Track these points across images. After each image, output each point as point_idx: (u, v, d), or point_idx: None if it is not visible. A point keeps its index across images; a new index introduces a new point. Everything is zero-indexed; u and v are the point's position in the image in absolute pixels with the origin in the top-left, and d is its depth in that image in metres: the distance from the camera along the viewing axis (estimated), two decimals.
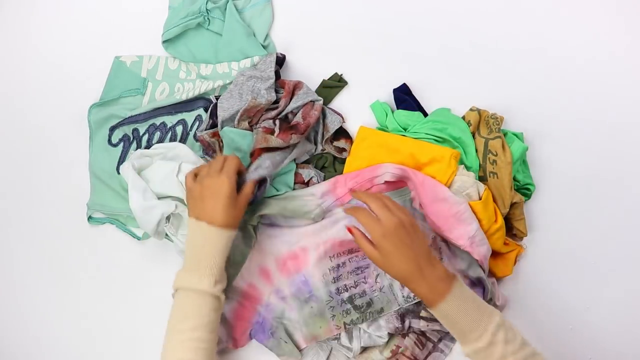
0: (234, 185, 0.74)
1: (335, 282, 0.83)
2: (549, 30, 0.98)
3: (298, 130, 0.85)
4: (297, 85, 0.90)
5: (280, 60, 0.94)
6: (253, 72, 0.90)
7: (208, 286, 0.71)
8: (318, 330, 0.81)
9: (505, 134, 0.89)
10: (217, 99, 0.91)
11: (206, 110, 0.94)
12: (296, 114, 0.87)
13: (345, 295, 0.83)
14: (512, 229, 0.87)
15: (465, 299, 0.67)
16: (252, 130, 0.87)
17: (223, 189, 0.72)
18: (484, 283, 0.81)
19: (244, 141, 0.86)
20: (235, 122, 0.87)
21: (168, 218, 0.84)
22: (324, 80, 0.96)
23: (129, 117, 0.94)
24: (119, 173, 0.91)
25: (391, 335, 0.82)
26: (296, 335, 0.82)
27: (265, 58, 0.93)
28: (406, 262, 0.68)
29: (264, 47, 0.97)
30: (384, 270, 0.71)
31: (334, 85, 0.95)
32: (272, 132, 0.84)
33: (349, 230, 0.73)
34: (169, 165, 0.86)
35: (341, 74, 0.96)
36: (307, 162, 0.91)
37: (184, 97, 0.94)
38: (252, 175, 0.79)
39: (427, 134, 0.87)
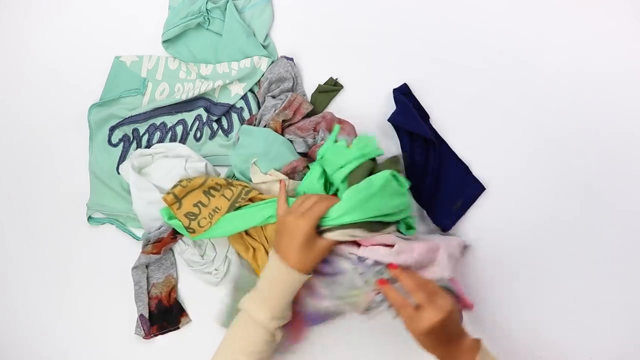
0: (311, 230, 0.72)
1: (358, 259, 0.77)
2: (550, 31, 0.98)
3: None
4: None
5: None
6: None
7: (263, 318, 0.71)
8: (355, 299, 0.76)
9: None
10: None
11: (206, 110, 0.94)
12: None
13: (370, 260, 0.76)
14: None
15: None
16: (282, 132, 0.88)
17: (298, 231, 0.72)
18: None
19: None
20: (269, 117, 0.88)
21: None
22: (319, 85, 0.95)
23: (129, 117, 0.94)
24: (119, 173, 0.91)
25: None
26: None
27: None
28: (438, 349, 0.70)
29: (264, 47, 0.97)
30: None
31: (329, 90, 0.95)
32: None
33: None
34: (175, 159, 0.86)
35: (336, 78, 0.96)
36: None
37: (184, 97, 0.94)
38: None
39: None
